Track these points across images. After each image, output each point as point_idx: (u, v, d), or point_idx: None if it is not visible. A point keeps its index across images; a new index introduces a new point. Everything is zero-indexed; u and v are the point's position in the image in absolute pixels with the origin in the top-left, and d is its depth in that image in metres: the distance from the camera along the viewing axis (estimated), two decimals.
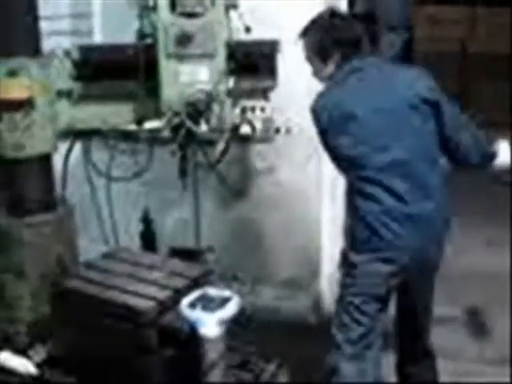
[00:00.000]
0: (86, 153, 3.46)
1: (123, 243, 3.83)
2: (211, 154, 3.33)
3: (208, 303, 2.47)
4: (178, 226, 3.94)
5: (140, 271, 2.76)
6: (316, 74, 2.77)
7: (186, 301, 2.47)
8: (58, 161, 3.17)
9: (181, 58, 2.81)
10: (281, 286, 3.66)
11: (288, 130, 3.35)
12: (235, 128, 3.01)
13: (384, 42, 8.92)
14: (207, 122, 2.83)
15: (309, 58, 2.74)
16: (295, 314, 3.64)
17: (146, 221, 4.05)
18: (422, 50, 7.79)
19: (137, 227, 4.00)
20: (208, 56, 2.83)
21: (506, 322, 3.67)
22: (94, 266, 2.85)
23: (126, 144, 3.61)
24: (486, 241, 4.85)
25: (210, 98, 2.82)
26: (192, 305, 2.46)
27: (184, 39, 2.78)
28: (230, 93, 2.92)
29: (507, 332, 3.58)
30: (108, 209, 3.92)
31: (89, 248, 3.45)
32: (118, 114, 3.02)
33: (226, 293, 2.55)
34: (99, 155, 3.62)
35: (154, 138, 3.25)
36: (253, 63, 2.99)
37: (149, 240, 4.05)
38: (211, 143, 3.31)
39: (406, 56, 8.44)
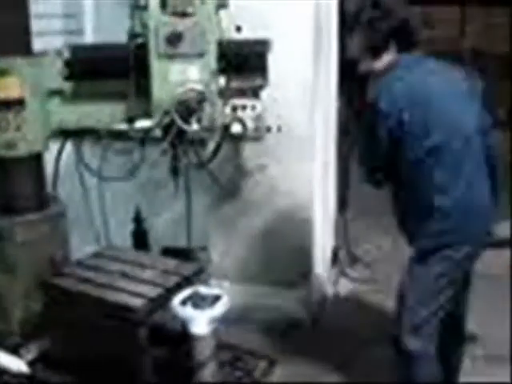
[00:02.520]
0: (78, 152, 3.47)
1: (115, 243, 3.84)
2: (203, 153, 3.34)
3: (199, 301, 2.48)
4: (170, 225, 3.94)
5: (131, 269, 2.78)
6: (363, 70, 2.73)
7: (177, 299, 2.49)
8: (50, 161, 3.18)
9: (171, 57, 2.81)
10: (272, 284, 3.67)
11: (279, 129, 3.36)
12: (226, 127, 3.01)
13: None
14: (198, 120, 2.83)
15: (357, 50, 2.71)
16: (286, 312, 3.65)
17: (138, 220, 4.05)
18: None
19: (129, 227, 4.01)
20: (199, 55, 2.82)
21: None
22: (86, 265, 2.86)
23: (118, 143, 3.62)
24: None
25: (201, 96, 2.82)
26: (183, 303, 2.48)
27: (175, 38, 2.78)
28: (220, 92, 2.92)
29: None
30: (100, 208, 3.95)
31: (81, 247, 3.45)
32: (109, 113, 3.01)
33: (217, 291, 2.56)
34: (91, 155, 3.63)
35: (145, 138, 3.25)
36: (244, 62, 2.99)
37: (141, 239, 4.05)
38: (203, 142, 3.33)
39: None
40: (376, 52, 2.65)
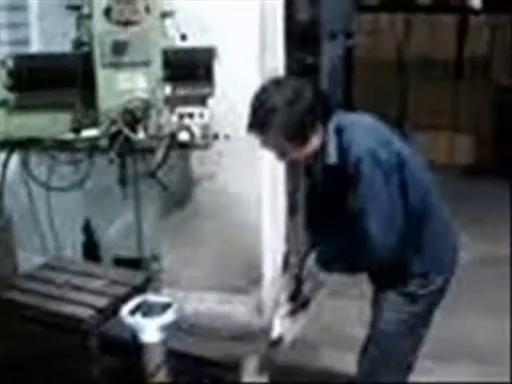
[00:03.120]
0: (24, 163, 3.43)
1: (65, 254, 3.80)
2: (151, 161, 3.34)
3: (148, 310, 2.49)
4: (120, 235, 3.91)
5: (80, 280, 2.77)
6: (291, 156, 2.39)
7: (126, 308, 2.49)
8: None
9: (117, 66, 2.80)
10: (223, 291, 3.67)
11: (227, 136, 3.36)
12: (173, 135, 3.01)
13: (325, 49, 9.05)
14: (145, 129, 2.84)
15: (277, 147, 2.34)
16: (237, 319, 3.65)
17: (88, 231, 4.02)
18: (361, 56, 7.90)
19: (79, 237, 3.97)
20: (144, 64, 2.82)
21: None
22: (33, 277, 2.84)
23: (65, 154, 3.59)
24: None
25: (148, 105, 2.83)
26: (132, 312, 2.48)
27: (120, 47, 2.78)
28: (167, 100, 2.93)
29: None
30: (48, 219, 3.90)
31: (29, 259, 3.41)
32: (55, 123, 2.98)
33: (166, 299, 2.57)
34: (38, 165, 3.60)
35: (93, 147, 3.23)
36: (190, 70, 3.01)
37: (91, 250, 4.02)
38: (151, 151, 3.32)
39: (347, 63, 8.59)
40: (303, 139, 2.31)
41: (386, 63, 7.66)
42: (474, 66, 7.27)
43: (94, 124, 2.92)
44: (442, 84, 7.14)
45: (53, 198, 3.82)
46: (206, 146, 3.18)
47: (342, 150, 2.30)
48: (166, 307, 2.50)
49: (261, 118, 2.27)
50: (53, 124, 2.98)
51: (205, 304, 3.71)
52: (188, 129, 3.04)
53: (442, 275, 2.51)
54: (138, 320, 2.44)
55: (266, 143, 2.35)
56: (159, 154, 3.22)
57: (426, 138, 6.80)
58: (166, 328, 2.48)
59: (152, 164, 3.32)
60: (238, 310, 3.66)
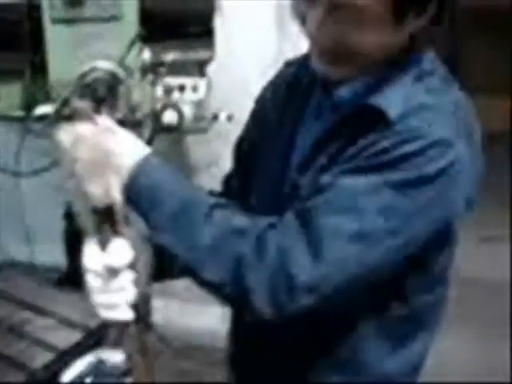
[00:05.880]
0: None
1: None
2: None
3: (102, 375, 1.78)
4: None
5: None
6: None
7: (69, 374, 1.78)
8: None
9: (72, 22, 2.13)
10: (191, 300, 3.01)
11: (230, 117, 2.53)
12: (156, 116, 2.27)
13: None
14: (111, 110, 2.11)
15: None
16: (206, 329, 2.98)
17: (70, 217, 3.40)
18: None
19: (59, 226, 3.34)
20: (111, 19, 2.14)
21: None
22: None
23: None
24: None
25: (115, 77, 2.09)
26: (80, 379, 1.77)
27: None
28: (145, 68, 2.22)
29: None
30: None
31: None
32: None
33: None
34: None
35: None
36: (180, 26, 2.30)
37: (75, 238, 3.39)
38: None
39: None
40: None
41: None
42: None
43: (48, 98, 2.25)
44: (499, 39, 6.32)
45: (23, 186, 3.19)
46: (201, 131, 2.42)
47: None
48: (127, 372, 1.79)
49: None
50: None
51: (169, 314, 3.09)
52: (176, 107, 2.28)
53: None
54: None
55: None
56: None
57: (480, 102, 6.03)
58: None
59: None
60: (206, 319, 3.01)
